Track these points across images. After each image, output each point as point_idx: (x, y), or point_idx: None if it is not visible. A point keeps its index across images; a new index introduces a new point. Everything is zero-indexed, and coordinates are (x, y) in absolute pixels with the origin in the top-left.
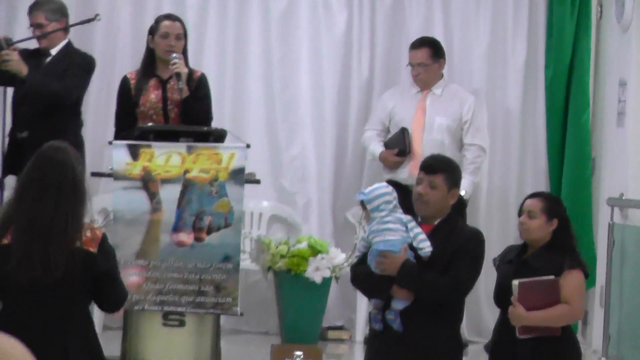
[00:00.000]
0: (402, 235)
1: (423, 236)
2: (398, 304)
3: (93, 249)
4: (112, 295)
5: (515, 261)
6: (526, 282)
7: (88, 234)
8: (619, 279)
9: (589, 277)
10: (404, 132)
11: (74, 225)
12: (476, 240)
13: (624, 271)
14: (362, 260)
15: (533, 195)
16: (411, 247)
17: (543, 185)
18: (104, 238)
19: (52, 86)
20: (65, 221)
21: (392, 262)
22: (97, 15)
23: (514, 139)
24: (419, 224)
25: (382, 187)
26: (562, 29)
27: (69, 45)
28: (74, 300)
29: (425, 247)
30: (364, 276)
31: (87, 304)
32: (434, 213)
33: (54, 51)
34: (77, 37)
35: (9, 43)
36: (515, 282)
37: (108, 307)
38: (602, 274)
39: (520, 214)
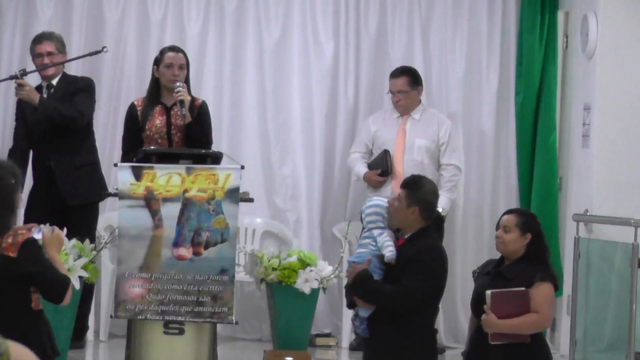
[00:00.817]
0: (371, 249)
1: (389, 243)
2: (362, 312)
3: (12, 254)
4: (49, 289)
5: (492, 272)
6: (498, 292)
7: (10, 239)
8: (585, 289)
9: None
10: (386, 154)
11: None
12: (429, 253)
13: (589, 281)
14: None
15: (509, 212)
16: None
17: (514, 202)
18: (25, 242)
19: (65, 111)
20: None
21: (352, 272)
22: (104, 47)
23: (488, 159)
24: (399, 238)
25: (365, 205)
26: (531, 58)
27: (65, 74)
28: (4, 303)
29: (387, 252)
30: (346, 286)
31: (23, 302)
32: (398, 225)
33: (54, 82)
34: (87, 67)
35: (23, 73)
36: (488, 292)
37: (50, 300)
38: (569, 284)
39: (497, 228)
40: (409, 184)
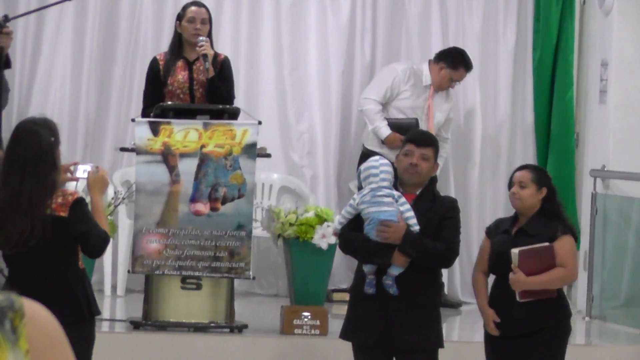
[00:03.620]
0: (395, 207)
1: (411, 213)
2: (395, 270)
3: (64, 214)
4: (91, 246)
5: (510, 230)
6: (525, 250)
7: (59, 199)
8: (602, 245)
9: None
10: (417, 123)
11: (39, 193)
12: (457, 208)
13: (606, 237)
14: (352, 227)
15: (522, 168)
16: None
17: (531, 158)
18: (76, 201)
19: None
20: (29, 191)
21: (395, 231)
22: None
23: (505, 116)
24: (401, 194)
25: (372, 161)
26: (548, 13)
27: None
28: (54, 261)
29: (414, 224)
30: (361, 243)
31: (71, 261)
32: (421, 183)
33: None
34: (103, 23)
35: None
36: (515, 251)
37: (90, 255)
38: (586, 240)
39: (510, 186)
40: (434, 141)
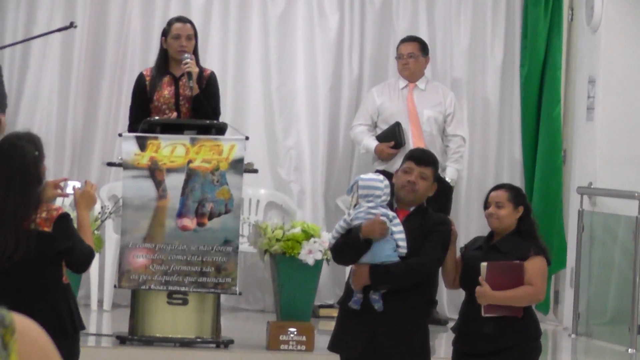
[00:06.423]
0: (388, 226)
1: (402, 235)
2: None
3: (47, 229)
4: (76, 262)
5: (484, 247)
6: (493, 264)
7: (44, 214)
8: (588, 262)
9: (560, 259)
10: (398, 126)
11: (23, 208)
12: (445, 223)
13: (592, 254)
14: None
15: (497, 187)
16: None
17: (518, 174)
18: (60, 216)
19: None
20: (14, 205)
21: (360, 276)
22: (72, 23)
23: (492, 132)
24: (395, 210)
25: (377, 181)
26: (536, 30)
27: None
28: (38, 276)
29: (403, 246)
30: (346, 238)
31: (55, 276)
32: (417, 201)
33: None
34: (91, 37)
35: None
36: (484, 264)
37: (75, 270)
38: (572, 257)
39: (486, 206)
40: (434, 161)
